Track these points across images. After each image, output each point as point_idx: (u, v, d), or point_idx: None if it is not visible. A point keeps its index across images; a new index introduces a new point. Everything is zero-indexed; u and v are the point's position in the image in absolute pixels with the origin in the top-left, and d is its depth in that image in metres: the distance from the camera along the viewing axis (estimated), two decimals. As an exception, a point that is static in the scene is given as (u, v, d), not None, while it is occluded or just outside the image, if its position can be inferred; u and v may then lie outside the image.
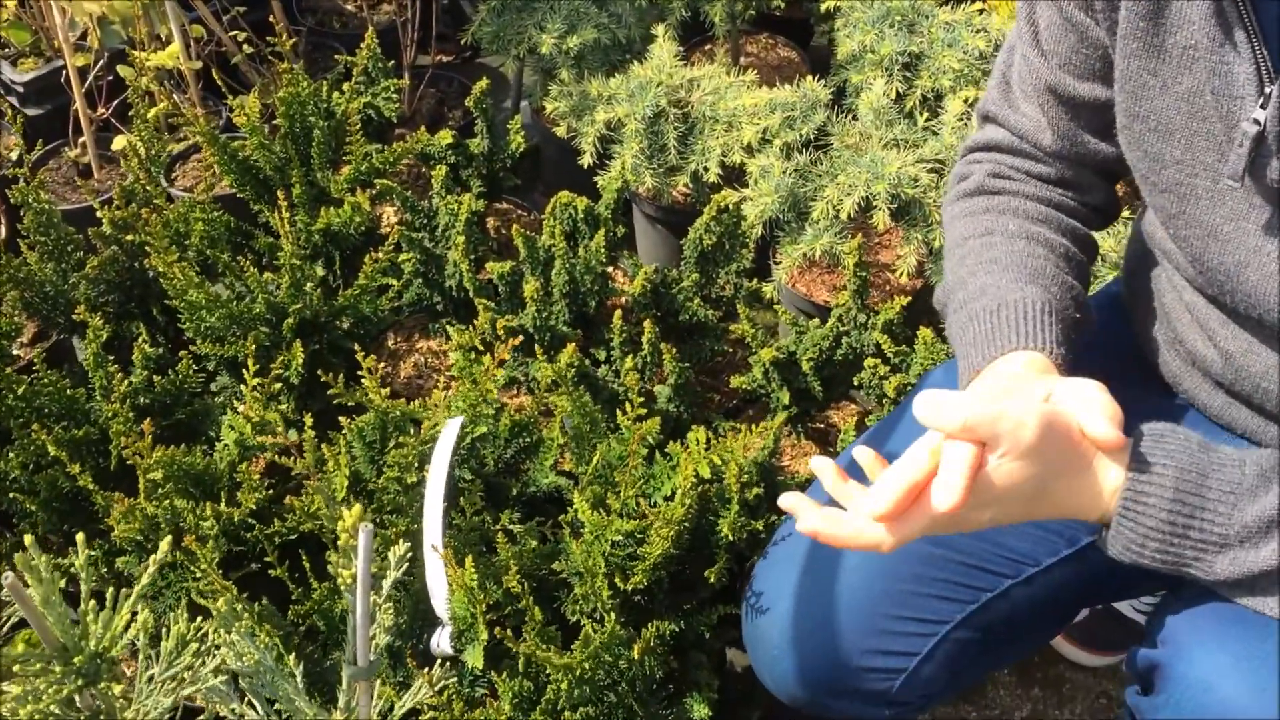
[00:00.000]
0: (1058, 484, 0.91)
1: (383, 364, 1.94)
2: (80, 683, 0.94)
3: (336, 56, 2.25)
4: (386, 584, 1.06)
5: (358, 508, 0.94)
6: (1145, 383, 1.21)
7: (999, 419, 0.88)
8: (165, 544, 0.96)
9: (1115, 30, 1.01)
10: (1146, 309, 1.19)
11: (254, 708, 1.08)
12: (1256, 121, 0.90)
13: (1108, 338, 1.28)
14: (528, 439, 1.57)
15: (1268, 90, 0.89)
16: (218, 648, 1.05)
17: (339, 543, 0.94)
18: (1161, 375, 1.19)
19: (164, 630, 1.03)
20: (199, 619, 1.05)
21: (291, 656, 1.14)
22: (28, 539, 0.92)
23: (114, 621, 0.95)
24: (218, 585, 1.19)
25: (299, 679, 1.06)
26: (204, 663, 1.04)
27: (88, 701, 0.99)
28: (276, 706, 1.06)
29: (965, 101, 1.93)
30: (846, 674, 1.17)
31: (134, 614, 0.95)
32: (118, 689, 0.93)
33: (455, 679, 1.29)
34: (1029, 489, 0.90)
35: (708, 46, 2.51)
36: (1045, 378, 0.98)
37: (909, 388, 1.54)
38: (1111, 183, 1.19)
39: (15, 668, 0.92)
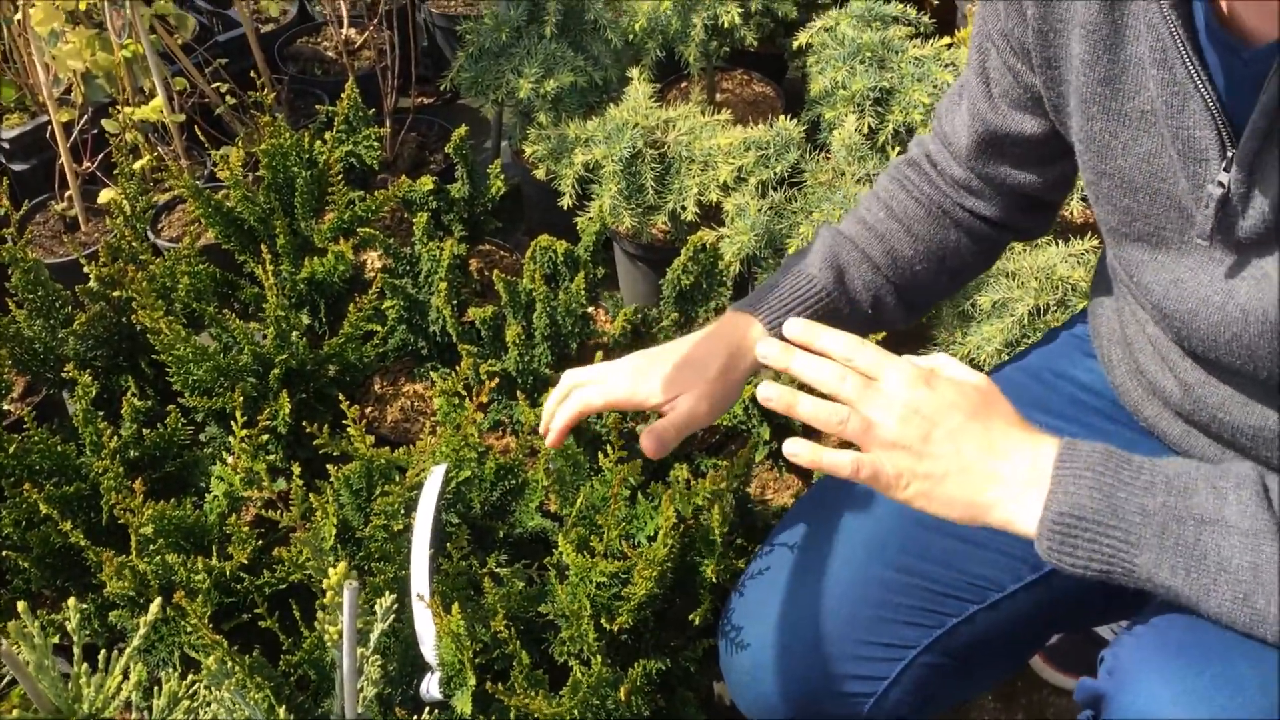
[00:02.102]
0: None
1: (369, 408, 1.96)
2: (74, 745, 0.96)
3: (318, 106, 2.29)
4: (374, 637, 1.08)
5: (342, 566, 0.96)
6: (1108, 412, 1.25)
7: None
8: (155, 605, 0.98)
9: (1057, 85, 1.06)
10: (1110, 339, 1.23)
11: (246, 762, 1.10)
12: (1221, 184, 0.93)
13: (1072, 366, 1.32)
14: (513, 481, 1.59)
15: (1229, 154, 0.92)
16: (209, 704, 1.07)
17: (325, 600, 0.97)
18: (1123, 404, 1.23)
19: (156, 687, 1.05)
20: (191, 673, 1.07)
21: (283, 708, 1.16)
22: (21, 605, 0.94)
23: (107, 683, 0.97)
24: (209, 640, 1.21)
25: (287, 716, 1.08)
26: (197, 718, 1.06)
27: (82, 761, 1.01)
28: (268, 760, 1.08)
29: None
30: (819, 698, 1.21)
31: (126, 674, 0.98)
32: (111, 749, 0.95)
33: (445, 725, 1.31)
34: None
35: (684, 84, 2.55)
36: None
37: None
38: (1017, 203, 1.27)
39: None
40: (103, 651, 0.99)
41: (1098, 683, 1.02)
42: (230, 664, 1.23)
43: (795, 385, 1.04)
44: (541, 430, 1.27)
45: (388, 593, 1.12)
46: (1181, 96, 0.94)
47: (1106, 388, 1.26)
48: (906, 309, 1.30)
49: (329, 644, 0.97)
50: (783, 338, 1.20)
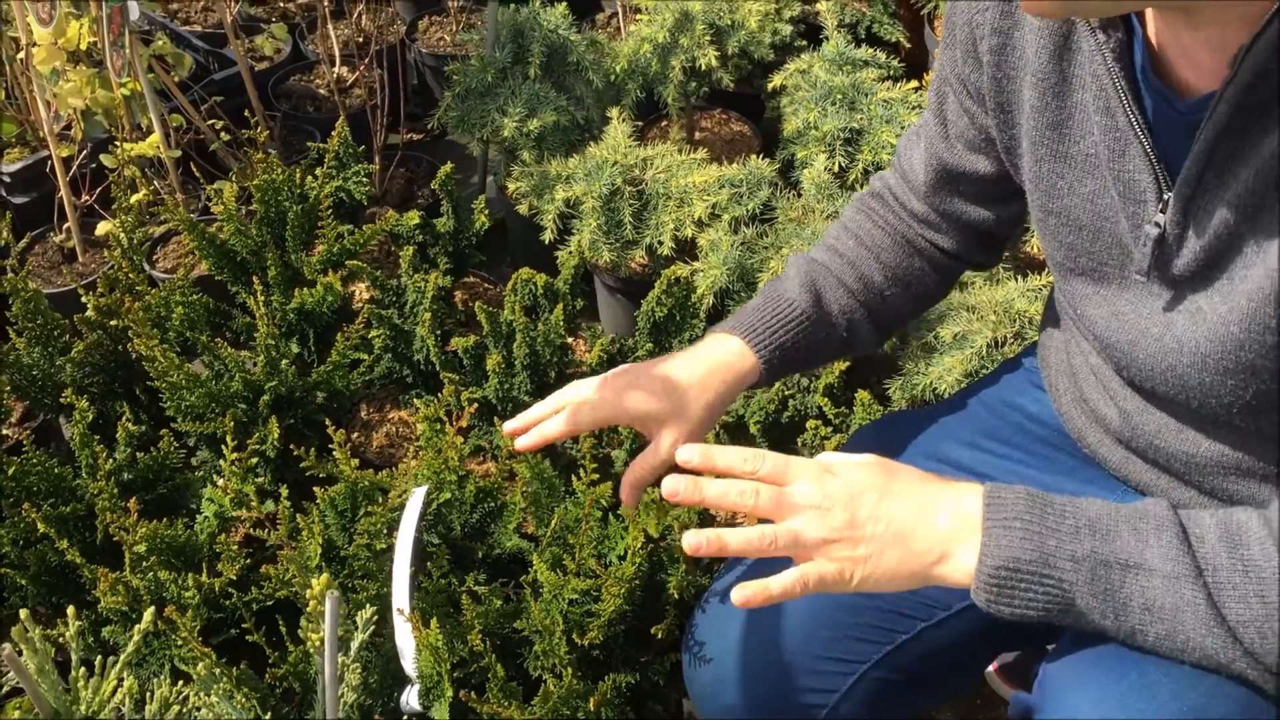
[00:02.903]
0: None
1: (356, 434, 2.03)
2: (71, 744, 1.03)
3: (310, 143, 2.37)
4: (354, 646, 1.15)
5: (325, 577, 1.03)
6: (1054, 440, 1.33)
7: None
8: (148, 615, 1.05)
9: (1009, 129, 1.14)
10: (1058, 370, 1.31)
11: (232, 766, 1.16)
12: (1157, 224, 1.00)
13: (1021, 397, 1.40)
14: (492, 504, 1.66)
15: (1165, 197, 0.99)
16: (198, 710, 1.14)
17: (308, 609, 1.04)
18: (1068, 431, 1.31)
19: (149, 694, 1.11)
20: (180, 684, 1.14)
21: (268, 716, 1.22)
22: (24, 614, 1.01)
23: (102, 687, 1.04)
24: (198, 653, 1.28)
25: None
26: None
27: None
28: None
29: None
30: (777, 709, 1.27)
31: (121, 680, 1.04)
32: (105, 749, 1.02)
33: (422, 734, 1.37)
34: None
35: (664, 123, 2.64)
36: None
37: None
38: (971, 237, 1.35)
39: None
40: (99, 658, 1.06)
41: (1026, 697, 1.09)
42: (219, 673, 1.30)
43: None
44: (514, 429, 1.31)
45: (369, 606, 1.19)
46: (1122, 142, 1.01)
47: (1053, 416, 1.34)
48: (878, 331, 1.38)
49: (312, 652, 1.03)
50: (768, 364, 1.28)
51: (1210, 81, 0.93)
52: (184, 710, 1.13)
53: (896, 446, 1.41)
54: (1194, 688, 0.98)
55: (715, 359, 1.29)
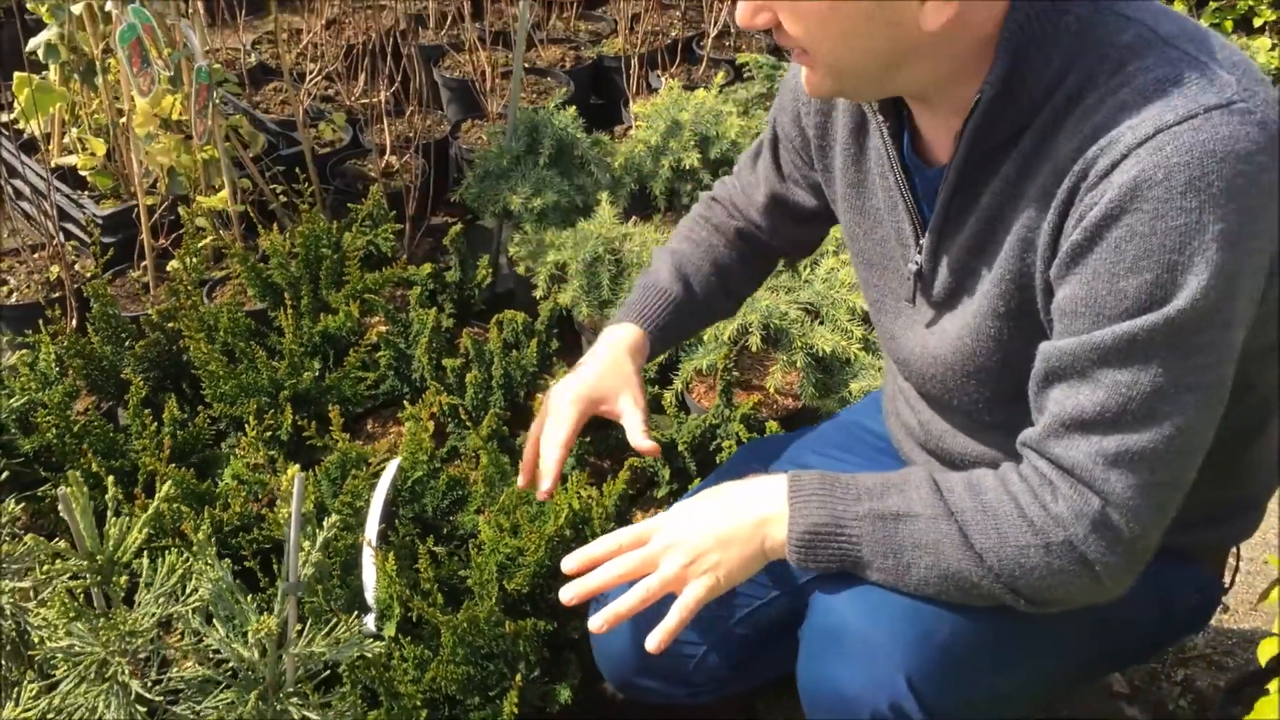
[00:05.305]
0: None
1: (361, 442, 2.40)
2: (99, 577, 1.38)
3: (349, 204, 2.81)
4: (319, 540, 1.50)
5: (295, 466, 1.39)
6: (890, 451, 1.63)
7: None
8: (165, 488, 1.41)
9: (830, 186, 1.50)
10: (889, 395, 1.62)
11: (216, 627, 1.50)
12: (916, 263, 1.34)
13: (869, 419, 1.72)
14: (460, 492, 2.02)
15: (921, 242, 1.33)
16: (199, 577, 1.48)
17: (280, 490, 1.39)
18: (895, 445, 1.62)
19: (160, 558, 1.46)
20: (186, 554, 1.49)
21: (250, 598, 1.57)
22: (73, 474, 1.38)
23: (126, 539, 1.40)
24: (202, 548, 1.63)
25: (252, 604, 1.49)
26: (186, 588, 1.47)
27: (101, 602, 1.42)
28: (233, 622, 1.49)
29: (840, 259, 2.44)
30: (657, 657, 1.55)
31: (141, 533, 1.39)
32: (122, 580, 1.37)
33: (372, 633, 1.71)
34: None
35: (657, 217, 3.05)
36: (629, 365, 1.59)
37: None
38: (800, 242, 1.75)
39: (57, 561, 1.36)
40: (125, 515, 1.42)
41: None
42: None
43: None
44: (545, 484, 1.56)
45: (334, 515, 1.54)
46: (893, 200, 1.35)
47: (887, 431, 1.66)
48: (733, 301, 1.76)
49: (280, 522, 1.38)
50: (653, 341, 1.63)
51: (947, 155, 1.25)
52: (187, 578, 1.48)
53: (768, 456, 1.72)
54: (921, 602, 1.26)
55: (623, 350, 1.60)
